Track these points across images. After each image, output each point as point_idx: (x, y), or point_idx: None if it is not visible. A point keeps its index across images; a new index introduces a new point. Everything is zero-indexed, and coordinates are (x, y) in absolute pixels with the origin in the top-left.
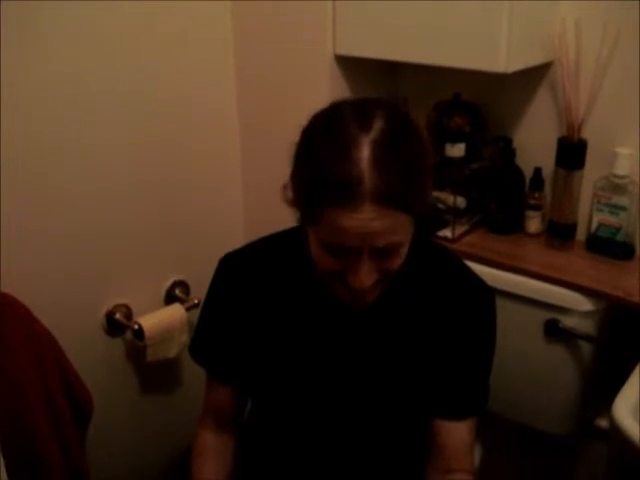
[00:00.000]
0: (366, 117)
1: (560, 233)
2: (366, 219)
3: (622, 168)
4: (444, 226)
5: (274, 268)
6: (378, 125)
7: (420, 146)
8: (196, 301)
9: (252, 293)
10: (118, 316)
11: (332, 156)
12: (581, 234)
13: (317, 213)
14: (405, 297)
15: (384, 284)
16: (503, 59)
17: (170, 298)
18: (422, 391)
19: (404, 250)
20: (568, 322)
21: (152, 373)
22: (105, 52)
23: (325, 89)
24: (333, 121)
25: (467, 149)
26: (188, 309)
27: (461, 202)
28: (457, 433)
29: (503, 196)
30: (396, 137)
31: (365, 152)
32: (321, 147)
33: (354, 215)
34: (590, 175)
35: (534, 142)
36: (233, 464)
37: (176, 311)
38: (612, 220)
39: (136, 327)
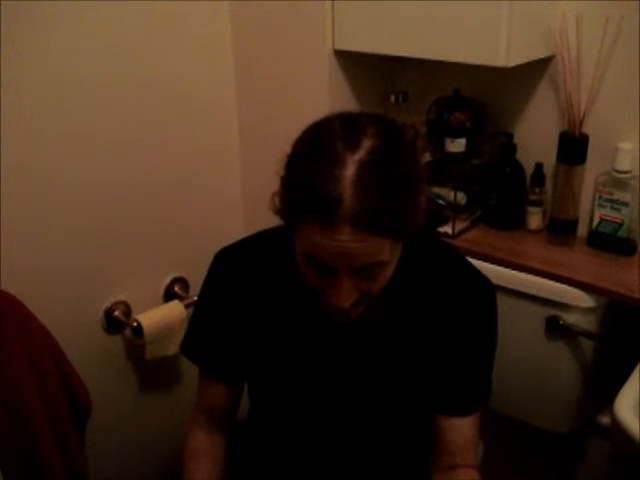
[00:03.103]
0: (355, 135)
1: (561, 229)
2: (345, 241)
3: (624, 163)
4: (444, 222)
5: (269, 264)
6: (367, 144)
7: (411, 165)
8: (195, 298)
9: (246, 289)
10: (117, 313)
11: (316, 173)
12: (582, 230)
13: (296, 226)
14: (406, 294)
15: (367, 302)
16: (503, 53)
17: (169, 295)
18: (425, 389)
19: (387, 272)
20: (569, 319)
21: (151, 371)
22: (104, 51)
23: (324, 84)
24: (322, 137)
25: (467, 144)
26: (187, 306)
27: (461, 198)
28: (460, 429)
29: (504, 192)
30: (384, 157)
31: (349, 172)
32: (307, 162)
33: (333, 236)
34: (591, 170)
35: (535, 137)
36: (225, 464)
37: (175, 308)
38: (614, 216)
39: (135, 324)
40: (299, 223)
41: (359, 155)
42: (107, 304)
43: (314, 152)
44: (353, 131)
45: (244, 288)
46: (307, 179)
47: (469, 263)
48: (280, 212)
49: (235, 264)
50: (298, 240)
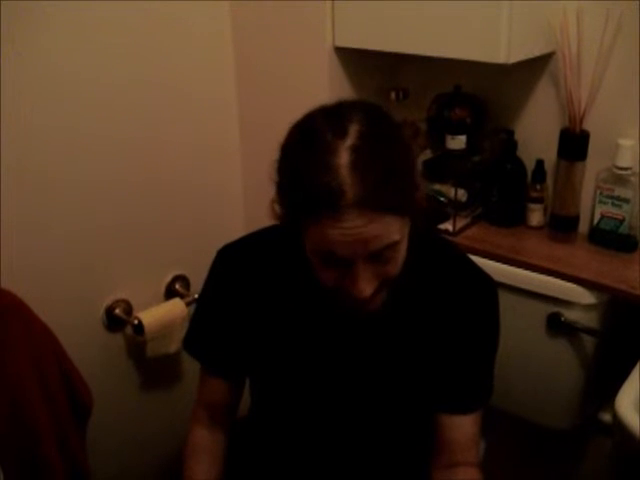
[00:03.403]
0: (341, 123)
1: (562, 226)
2: (355, 227)
3: (624, 160)
4: (445, 219)
5: (273, 261)
6: (354, 129)
7: (400, 144)
8: (196, 296)
9: (250, 286)
10: (118, 311)
11: (311, 168)
12: (584, 227)
13: (304, 228)
14: (407, 292)
15: (387, 289)
16: (504, 50)
17: (170, 293)
18: (426, 387)
19: (401, 252)
20: (571, 316)
21: (152, 369)
22: (104, 51)
23: (325, 81)
24: (308, 132)
25: (468, 141)
26: (188, 304)
27: (462, 195)
28: (461, 427)
29: (505, 189)
30: (374, 139)
31: (343, 159)
32: (299, 160)
33: (342, 224)
34: (592, 167)
35: (536, 134)
36: (224, 460)
37: (176, 306)
38: (615, 212)
39: (136, 322)
40: (306, 223)
41: (349, 141)
42: (108, 302)
43: (305, 147)
44: (337, 119)
45: (246, 285)
46: (304, 176)
47: (470, 260)
48: (282, 218)
49: (237, 261)
50: (308, 240)
